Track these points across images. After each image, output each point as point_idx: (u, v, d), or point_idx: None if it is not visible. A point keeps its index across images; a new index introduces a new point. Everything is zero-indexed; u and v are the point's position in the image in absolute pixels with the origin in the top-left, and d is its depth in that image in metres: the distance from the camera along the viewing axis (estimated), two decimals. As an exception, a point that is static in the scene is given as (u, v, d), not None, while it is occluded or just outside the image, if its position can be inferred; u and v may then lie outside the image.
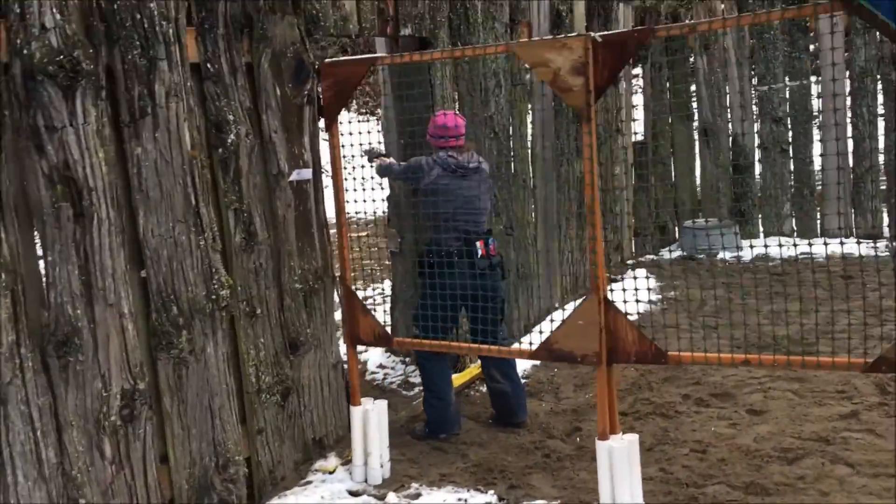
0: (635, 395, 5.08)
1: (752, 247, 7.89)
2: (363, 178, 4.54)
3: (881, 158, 8.71)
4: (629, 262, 8.42)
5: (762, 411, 4.69)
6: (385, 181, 4.99)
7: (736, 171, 9.28)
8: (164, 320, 3.54)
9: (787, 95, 8.97)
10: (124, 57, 3.36)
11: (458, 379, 5.36)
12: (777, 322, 5.72)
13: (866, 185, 8.67)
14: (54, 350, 3.16)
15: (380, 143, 5.77)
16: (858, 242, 3.92)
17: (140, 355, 3.44)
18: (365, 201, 4.44)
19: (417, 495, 3.98)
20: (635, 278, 4.06)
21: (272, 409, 4.08)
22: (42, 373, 3.14)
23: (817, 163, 8.86)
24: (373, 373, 5.94)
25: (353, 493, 4.04)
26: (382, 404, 4.17)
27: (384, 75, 5.52)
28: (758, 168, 9.20)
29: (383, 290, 7.77)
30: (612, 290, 4.14)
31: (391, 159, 4.83)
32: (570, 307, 6.80)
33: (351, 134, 4.38)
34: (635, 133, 8.88)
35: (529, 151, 6.46)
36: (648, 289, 7.37)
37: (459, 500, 3.89)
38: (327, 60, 3.88)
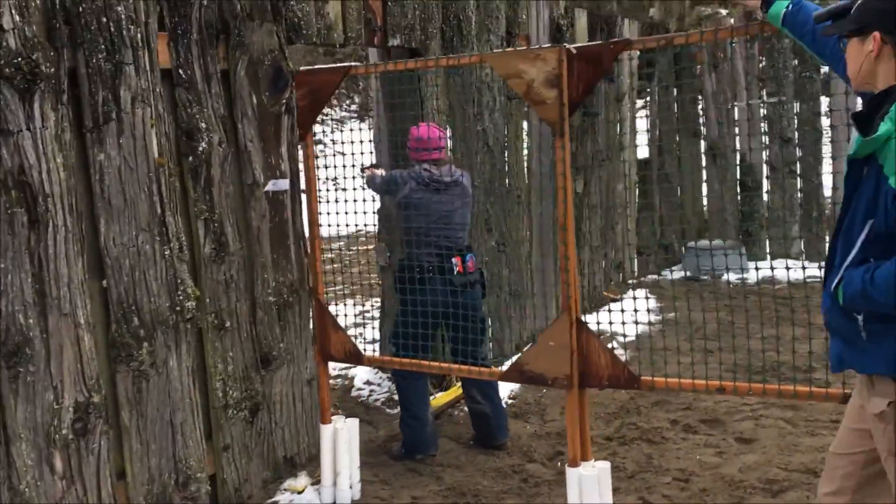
0: (622, 420, 4.93)
1: (757, 269, 7.78)
2: (354, 190, 4.45)
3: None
4: (630, 281, 8.27)
5: (751, 440, 4.52)
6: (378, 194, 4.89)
7: (743, 191, 9.12)
8: (123, 332, 3.45)
9: (797, 114, 8.81)
10: (88, 61, 3.29)
11: (442, 398, 5.24)
12: (778, 347, 5.55)
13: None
14: (3, 360, 3.06)
15: (371, 153, 5.67)
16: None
17: (97, 367, 3.34)
18: (355, 213, 4.35)
19: (386, 518, 3.85)
20: (635, 298, 3.90)
21: (239, 426, 3.97)
22: (-10, 383, 3.05)
23: (827, 183, 8.68)
24: (359, 389, 5.82)
25: (320, 515, 3.92)
26: (354, 423, 4.05)
27: (377, 86, 5.43)
28: (766, 188, 9.03)
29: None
30: (609, 311, 4.02)
31: (381, 171, 4.73)
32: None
33: (353, 143, 4.30)
34: (638, 145, 8.74)
35: (525, 166, 6.34)
36: (648, 310, 7.22)
37: (428, 524, 3.76)
38: (302, 69, 3.79)
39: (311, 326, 4.37)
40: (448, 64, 3.40)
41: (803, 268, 5.02)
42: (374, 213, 5.23)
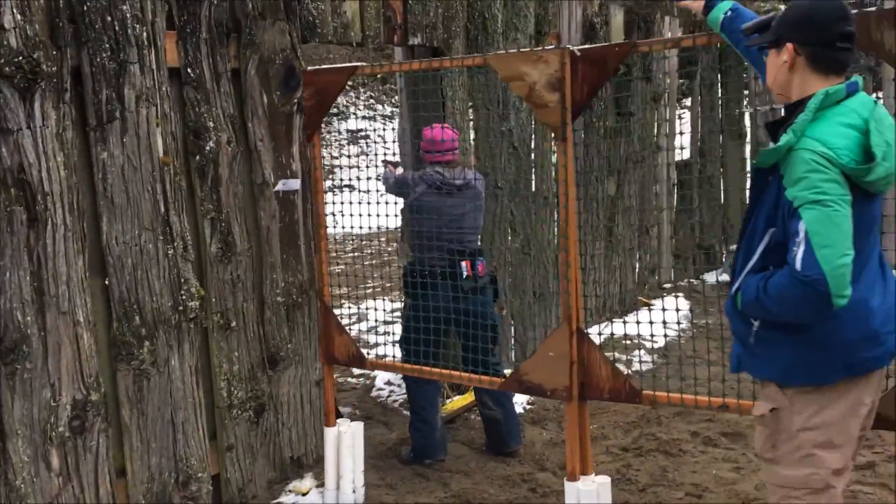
0: (641, 430, 4.81)
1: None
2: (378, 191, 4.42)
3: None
4: (665, 285, 8.08)
5: (772, 456, 4.35)
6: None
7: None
8: (124, 330, 3.45)
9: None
10: (93, 59, 3.29)
11: (459, 402, 5.18)
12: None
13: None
14: (1, 357, 3.09)
15: (394, 154, 5.63)
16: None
17: (96, 365, 3.35)
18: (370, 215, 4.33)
19: (387, 524, 3.81)
20: (664, 309, 3.71)
21: (244, 426, 3.96)
22: (-13, 379, 3.08)
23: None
24: (379, 389, 5.79)
25: (322, 518, 3.89)
26: (358, 426, 4.00)
27: (400, 85, 5.39)
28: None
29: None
30: (637, 317, 3.89)
31: (399, 170, 4.68)
32: (593, 330, 6.53)
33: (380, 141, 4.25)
34: (681, 148, 8.54)
35: (553, 167, 6.23)
36: (679, 313, 7.04)
37: (428, 533, 3.70)
38: (309, 69, 3.75)
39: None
40: (451, 65, 3.33)
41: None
42: (396, 215, 5.20)
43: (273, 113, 4.01)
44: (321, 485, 4.11)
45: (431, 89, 4.97)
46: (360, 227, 4.90)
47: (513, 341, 5.86)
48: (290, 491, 4.10)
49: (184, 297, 3.63)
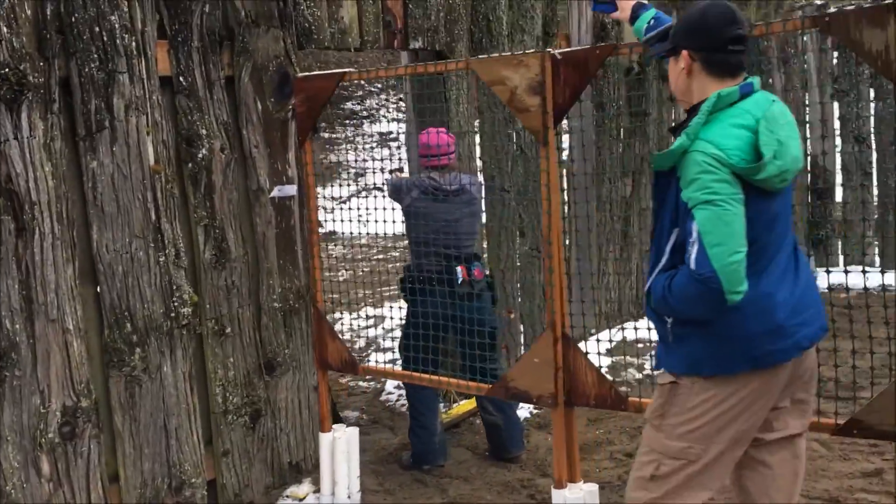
0: (647, 435, 4.73)
1: (828, 272, 7.33)
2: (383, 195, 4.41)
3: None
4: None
5: (778, 463, 4.26)
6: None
7: (814, 195, 8.68)
8: (116, 337, 3.49)
9: (873, 113, 8.32)
10: (81, 70, 3.33)
11: (464, 406, 5.16)
12: (835, 362, 5.24)
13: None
14: (-10, 364, 3.14)
15: (400, 159, 5.63)
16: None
17: (87, 372, 3.39)
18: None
19: (381, 531, 3.80)
20: None
21: (240, 431, 3.97)
22: (-24, 386, 3.13)
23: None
24: (388, 393, 5.78)
25: (317, 524, 3.89)
26: (353, 432, 4.00)
27: (406, 89, 5.38)
28: (839, 191, 8.56)
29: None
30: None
31: (404, 174, 4.68)
32: (604, 334, 6.46)
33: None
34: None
35: (564, 170, 6.17)
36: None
37: (420, 539, 3.68)
38: (300, 75, 3.75)
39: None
40: (436, 70, 3.31)
41: (881, 272, 4.68)
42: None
43: (268, 120, 4.02)
44: (319, 490, 4.11)
45: (436, 93, 4.96)
46: (385, 232, 4.85)
47: (522, 345, 5.82)
48: (287, 496, 4.11)
49: (176, 304, 3.65)
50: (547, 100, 3.00)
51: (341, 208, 13.18)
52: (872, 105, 8.33)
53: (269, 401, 4.10)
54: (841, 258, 8.52)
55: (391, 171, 4.74)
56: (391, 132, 18.04)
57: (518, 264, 5.65)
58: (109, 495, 3.49)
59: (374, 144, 18.15)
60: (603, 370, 3.76)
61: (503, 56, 3.10)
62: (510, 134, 5.51)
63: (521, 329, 5.80)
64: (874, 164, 8.34)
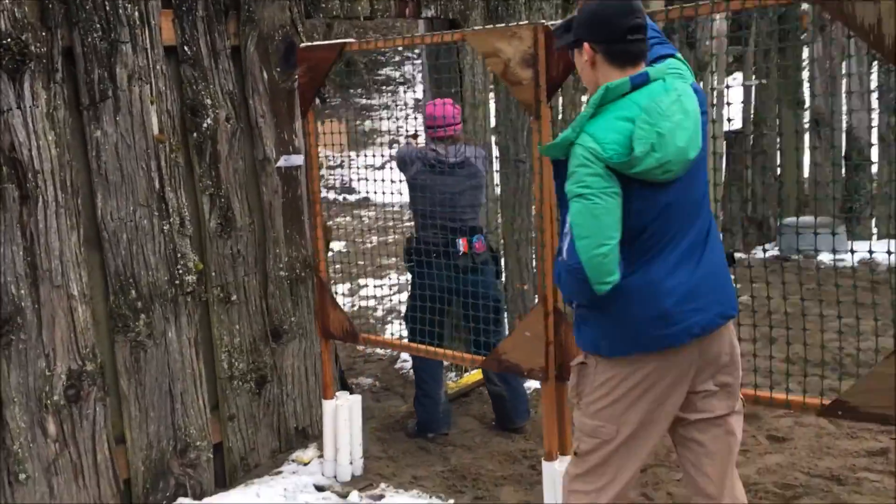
0: (655, 408, 4.72)
1: (852, 251, 7.17)
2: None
3: None
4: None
5: (784, 439, 4.24)
6: None
7: (848, 165, 8.48)
8: (121, 303, 3.57)
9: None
10: (84, 39, 3.38)
11: (474, 375, 5.18)
12: (858, 338, 5.17)
13: None
14: (-5, 328, 3.24)
15: (416, 130, 5.62)
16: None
17: (93, 337, 3.48)
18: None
19: (381, 496, 3.85)
20: None
21: (245, 397, 4.05)
22: (-18, 350, 3.23)
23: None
24: (403, 361, 5.83)
25: (319, 488, 3.96)
26: (356, 399, 4.06)
27: (423, 58, 5.36)
28: (874, 161, 8.36)
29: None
30: None
31: (418, 142, 4.69)
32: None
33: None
34: (730, 120, 8.23)
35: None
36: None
37: (417, 506, 3.74)
38: (303, 45, 3.76)
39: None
40: (432, 41, 3.29)
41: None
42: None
43: (274, 89, 4.04)
44: (322, 456, 4.19)
45: (451, 63, 4.93)
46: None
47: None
48: (292, 460, 4.19)
49: (180, 272, 3.72)
50: (540, 73, 2.97)
51: (374, 175, 13.27)
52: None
53: (275, 367, 4.17)
54: (875, 231, 8.34)
55: (406, 138, 4.74)
56: (439, 92, 17.97)
57: (533, 235, 5.63)
58: (116, 456, 3.59)
59: (411, 111, 18.14)
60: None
61: (497, 28, 3.07)
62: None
63: (536, 301, 5.79)
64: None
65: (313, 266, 4.00)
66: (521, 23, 3.00)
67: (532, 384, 4.94)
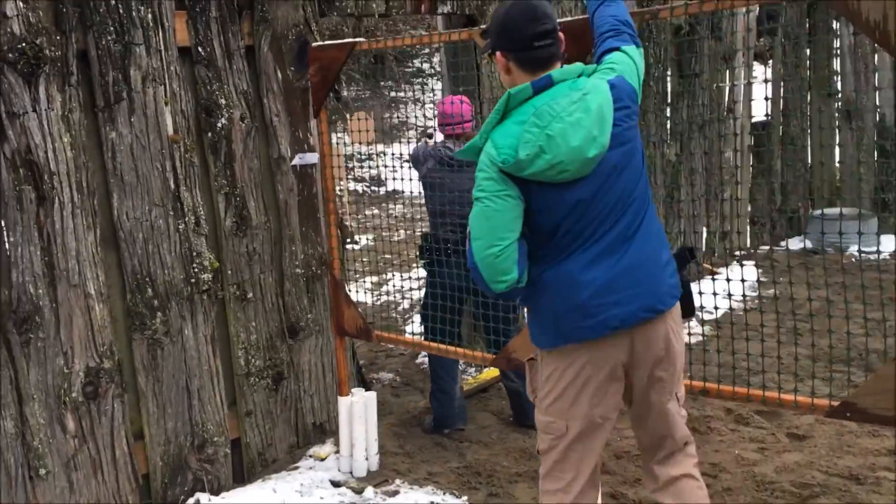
0: (674, 405, 4.69)
1: (878, 246, 7.03)
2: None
3: None
4: (737, 253, 7.78)
5: (804, 437, 4.19)
6: None
7: (881, 156, 8.33)
8: (137, 301, 3.62)
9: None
10: (98, 42, 3.43)
11: (492, 372, 5.19)
12: (884, 332, 5.09)
13: None
14: (15, 327, 3.30)
15: (433, 129, 5.61)
16: None
17: (110, 335, 3.54)
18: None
19: (395, 492, 3.88)
20: (728, 279, 3.51)
21: (262, 393, 4.10)
22: (2, 347, 3.29)
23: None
24: (425, 356, 5.85)
25: (335, 483, 4.00)
26: (371, 396, 4.08)
27: (441, 56, 5.37)
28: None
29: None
30: (699, 286, 3.74)
31: (434, 141, 4.69)
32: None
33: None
34: (752, 117, 8.12)
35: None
36: (744, 283, 6.76)
37: (431, 503, 3.75)
38: (314, 44, 3.78)
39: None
40: (440, 40, 3.29)
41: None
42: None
43: (288, 88, 4.07)
44: (339, 451, 4.22)
45: (469, 60, 4.93)
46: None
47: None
48: (309, 456, 4.23)
49: (196, 270, 3.77)
50: (546, 70, 2.95)
51: (402, 167, 13.32)
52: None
53: (291, 364, 4.21)
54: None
55: (421, 136, 4.75)
56: (457, 89, 17.99)
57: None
58: (134, 451, 3.65)
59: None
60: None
61: (503, 26, 3.05)
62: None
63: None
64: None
65: (328, 263, 4.03)
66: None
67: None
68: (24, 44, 3.20)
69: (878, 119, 8.31)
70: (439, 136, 4.78)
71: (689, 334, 5.74)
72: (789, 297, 6.26)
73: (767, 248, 8.02)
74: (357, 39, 3.56)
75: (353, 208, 11.96)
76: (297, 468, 4.14)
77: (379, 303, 7.33)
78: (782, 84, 8.24)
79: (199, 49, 3.77)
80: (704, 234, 7.34)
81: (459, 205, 4.01)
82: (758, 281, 7.02)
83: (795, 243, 8.13)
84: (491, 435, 4.48)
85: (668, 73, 6.63)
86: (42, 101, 3.26)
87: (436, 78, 19.78)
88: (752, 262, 7.44)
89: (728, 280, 3.59)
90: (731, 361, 4.67)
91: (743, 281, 3.92)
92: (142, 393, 3.69)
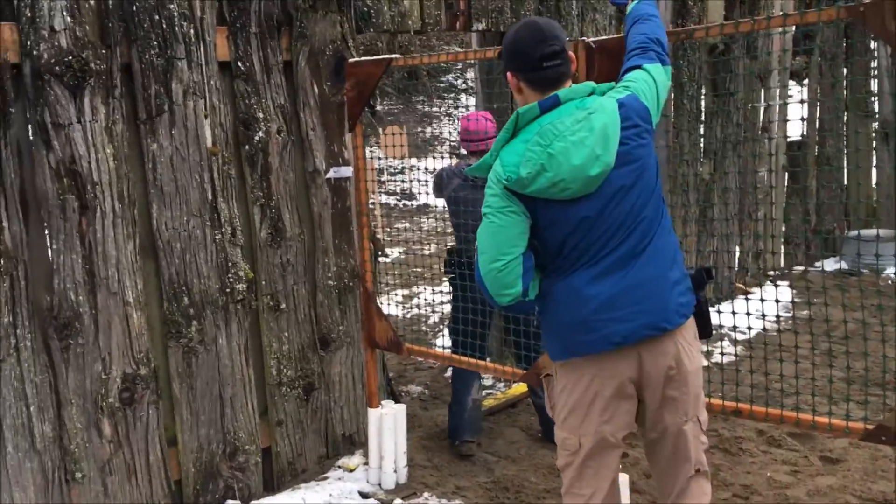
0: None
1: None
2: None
3: None
4: (771, 273, 7.71)
5: (837, 460, 4.14)
6: None
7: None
8: (174, 310, 3.69)
9: None
10: (141, 56, 3.51)
11: (520, 387, 5.19)
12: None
13: None
14: (55, 332, 3.38)
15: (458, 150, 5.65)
16: None
17: (147, 342, 3.60)
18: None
19: (423, 505, 3.90)
20: (762, 299, 3.52)
21: (293, 403, 4.14)
22: (43, 352, 3.37)
23: None
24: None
25: (363, 495, 4.02)
26: (401, 409, 4.11)
27: (475, 72, 5.41)
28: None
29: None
30: (733, 306, 3.75)
31: (458, 161, 4.73)
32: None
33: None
34: (789, 137, 8.07)
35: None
36: (778, 304, 6.70)
37: (459, 517, 3.76)
38: (350, 60, 3.84)
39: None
40: (469, 57, 3.33)
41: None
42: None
43: (324, 103, 4.13)
44: (368, 463, 4.25)
45: (496, 78, 4.97)
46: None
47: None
48: (338, 466, 4.26)
49: (231, 280, 3.83)
50: (581, 88, 2.98)
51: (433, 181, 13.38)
52: None
53: (322, 374, 4.25)
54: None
55: (451, 154, 4.80)
56: (491, 106, 18.09)
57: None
58: (168, 457, 3.71)
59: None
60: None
61: (539, 44, 3.08)
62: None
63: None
64: None
65: (360, 276, 4.07)
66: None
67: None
68: (70, 57, 3.29)
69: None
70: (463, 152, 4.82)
71: (722, 354, 5.72)
72: (824, 319, 6.23)
73: (802, 268, 7.95)
74: (393, 56, 3.62)
75: (385, 221, 12.05)
76: (326, 478, 4.17)
77: (409, 316, 7.37)
78: (818, 104, 8.18)
79: (239, 64, 3.85)
80: (738, 254, 7.29)
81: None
82: (792, 302, 6.94)
83: (831, 264, 8.05)
84: (519, 451, 4.48)
85: (703, 91, 6.62)
86: (87, 113, 3.35)
87: (468, 93, 19.87)
88: (787, 283, 7.37)
89: (762, 300, 3.58)
90: (765, 382, 4.61)
91: (777, 301, 3.88)
92: (176, 400, 3.75)
